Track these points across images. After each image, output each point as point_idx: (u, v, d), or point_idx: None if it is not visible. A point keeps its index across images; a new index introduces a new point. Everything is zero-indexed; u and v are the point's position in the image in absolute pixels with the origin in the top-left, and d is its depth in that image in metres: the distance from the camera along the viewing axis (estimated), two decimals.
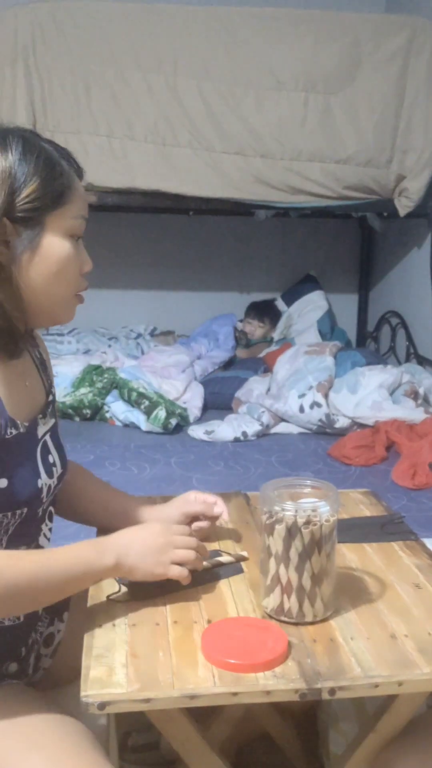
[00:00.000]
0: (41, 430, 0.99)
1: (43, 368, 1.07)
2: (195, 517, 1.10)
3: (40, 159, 0.89)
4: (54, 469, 1.01)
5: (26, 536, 0.98)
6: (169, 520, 1.07)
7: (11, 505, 0.92)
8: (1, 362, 0.92)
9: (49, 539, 1.04)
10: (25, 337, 0.96)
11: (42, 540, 1.02)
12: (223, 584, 1.01)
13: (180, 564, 0.95)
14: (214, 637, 0.86)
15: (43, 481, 0.97)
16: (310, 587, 0.89)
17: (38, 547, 1.01)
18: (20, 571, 0.85)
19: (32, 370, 1.03)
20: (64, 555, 0.89)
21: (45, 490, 0.97)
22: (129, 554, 0.91)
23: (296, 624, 0.90)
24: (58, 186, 0.90)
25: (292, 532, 0.88)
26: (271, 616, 0.92)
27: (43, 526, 1.01)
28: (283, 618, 0.90)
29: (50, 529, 1.04)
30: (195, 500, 1.10)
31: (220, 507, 1.10)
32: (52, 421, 1.04)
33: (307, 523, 0.88)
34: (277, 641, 0.85)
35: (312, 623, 0.90)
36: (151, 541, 0.93)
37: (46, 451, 0.99)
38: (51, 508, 1.03)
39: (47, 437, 1.01)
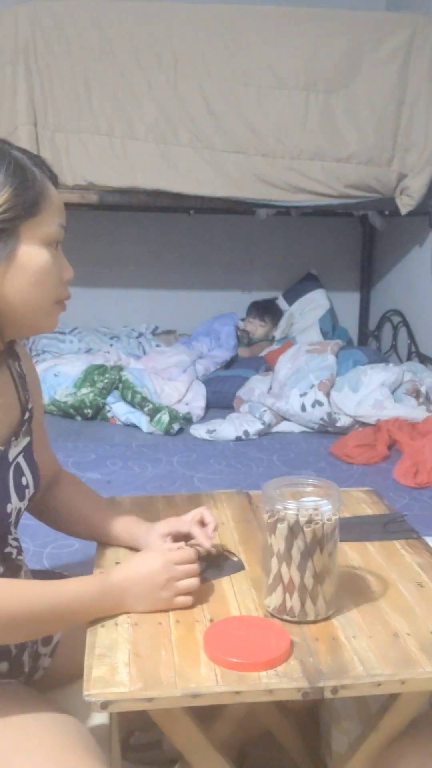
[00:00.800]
0: (13, 452, 0.97)
1: (22, 383, 1.04)
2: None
3: (11, 168, 0.87)
4: (27, 490, 0.99)
5: None
6: (160, 534, 1.06)
7: None
8: None
9: (16, 548, 1.02)
10: (4, 353, 0.95)
11: (9, 550, 1.00)
12: (225, 583, 1.01)
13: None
14: (216, 636, 0.86)
15: (13, 505, 0.95)
16: (312, 586, 0.89)
17: (4, 559, 0.99)
18: (21, 603, 0.85)
19: (9, 386, 1.00)
20: (66, 592, 0.89)
21: (14, 513, 0.96)
22: (130, 595, 0.92)
23: (298, 623, 0.90)
24: (31, 195, 0.88)
25: (294, 530, 0.88)
26: (273, 615, 0.92)
27: (7, 547, 0.99)
28: (285, 617, 0.90)
29: (16, 539, 1.02)
30: (191, 521, 1.08)
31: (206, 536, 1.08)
32: (27, 439, 1.01)
33: (309, 521, 0.88)
34: (280, 640, 0.85)
35: (314, 622, 0.90)
36: (152, 579, 0.93)
37: (19, 473, 0.97)
38: (12, 529, 1.01)
39: (20, 458, 0.98)
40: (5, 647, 0.98)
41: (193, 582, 0.95)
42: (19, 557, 1.02)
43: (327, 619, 0.91)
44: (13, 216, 0.86)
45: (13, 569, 0.99)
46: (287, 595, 0.90)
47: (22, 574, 1.02)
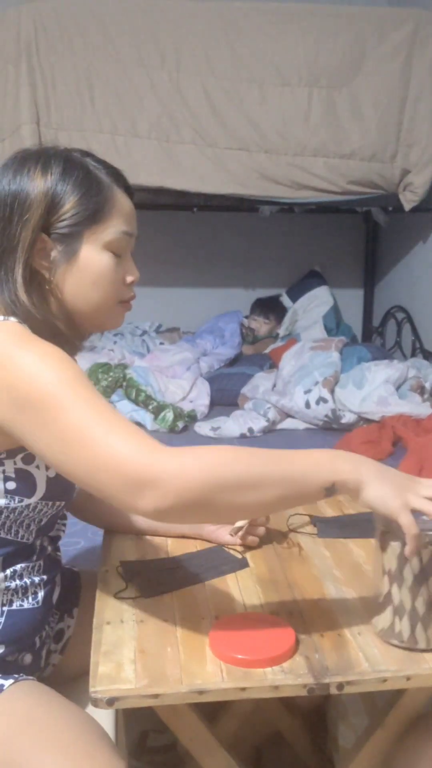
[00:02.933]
0: None
1: None
2: None
3: (79, 177, 0.94)
4: None
5: (49, 528, 1.02)
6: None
7: (55, 495, 0.95)
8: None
9: (63, 531, 1.07)
10: (78, 344, 1.03)
11: (55, 531, 1.04)
12: (230, 580, 1.01)
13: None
14: (222, 632, 0.86)
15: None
16: (424, 612, 0.83)
17: (54, 539, 1.04)
18: (266, 465, 0.81)
19: None
20: (302, 452, 0.85)
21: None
22: (371, 468, 0.83)
23: (408, 650, 0.84)
24: (95, 203, 0.94)
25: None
26: (381, 638, 0.86)
27: (57, 523, 1.04)
28: (393, 641, 0.85)
29: (64, 524, 1.07)
30: None
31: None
32: None
33: (429, 542, 0.81)
34: (285, 637, 0.85)
35: (425, 651, 0.84)
36: (399, 477, 0.84)
37: None
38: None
39: None
40: (33, 639, 0.99)
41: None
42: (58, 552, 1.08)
43: (331, 629, 0.87)
44: (76, 222, 0.93)
45: (57, 556, 1.06)
46: (396, 618, 0.84)
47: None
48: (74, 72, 3.00)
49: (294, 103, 3.05)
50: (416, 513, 0.82)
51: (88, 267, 0.95)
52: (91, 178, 0.95)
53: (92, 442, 0.80)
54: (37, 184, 0.92)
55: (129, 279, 1.01)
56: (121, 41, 3.00)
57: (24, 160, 0.94)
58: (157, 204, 3.36)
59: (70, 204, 0.93)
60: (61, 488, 0.96)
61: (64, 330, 0.96)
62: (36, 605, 0.98)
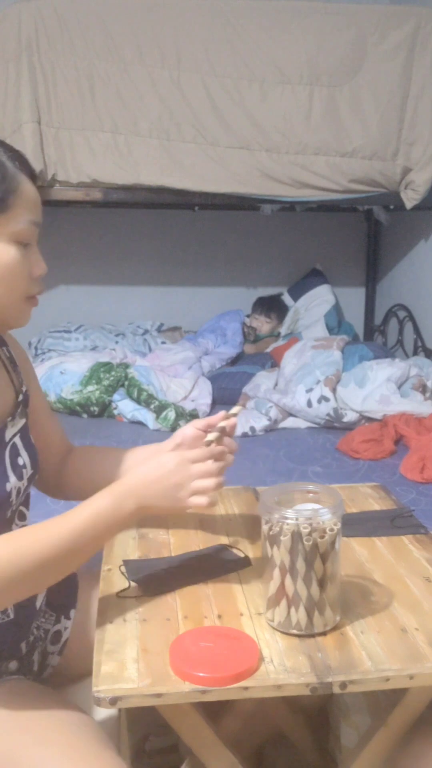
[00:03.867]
0: (9, 433, 0.98)
1: (13, 366, 1.05)
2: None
3: None
4: (24, 470, 0.99)
5: None
6: (173, 443, 1.02)
7: None
8: None
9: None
10: None
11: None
12: (232, 578, 1.01)
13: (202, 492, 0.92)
14: (182, 649, 0.83)
15: (12, 484, 0.95)
16: (318, 597, 0.86)
17: None
18: (47, 544, 0.85)
19: (2, 372, 1.01)
20: (84, 516, 0.88)
21: (14, 493, 0.96)
22: (147, 496, 0.90)
23: (307, 636, 0.87)
24: (1, 190, 0.87)
25: (296, 542, 0.85)
26: (277, 630, 0.89)
27: (14, 526, 1.00)
28: (292, 631, 0.87)
29: (25, 524, 1.03)
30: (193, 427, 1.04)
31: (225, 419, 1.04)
32: (23, 421, 1.02)
33: (311, 532, 0.85)
34: (249, 652, 0.82)
35: (323, 634, 0.87)
36: (168, 479, 0.91)
37: (15, 453, 0.98)
38: (22, 508, 1.02)
39: (16, 439, 0.99)
40: (15, 647, 0.98)
41: (210, 483, 0.92)
42: None
43: (335, 628, 0.89)
44: None
45: None
46: (292, 608, 0.87)
47: None
48: (75, 71, 3.00)
49: (295, 102, 3.05)
50: (298, 505, 0.89)
51: None
52: None
53: None
54: None
55: (37, 272, 0.94)
56: (122, 40, 2.99)
57: None
58: (158, 203, 3.36)
59: None
60: None
61: None
62: (7, 618, 0.96)
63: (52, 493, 1.17)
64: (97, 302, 4.01)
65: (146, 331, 4.02)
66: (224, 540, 1.13)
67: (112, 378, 3.17)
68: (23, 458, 0.99)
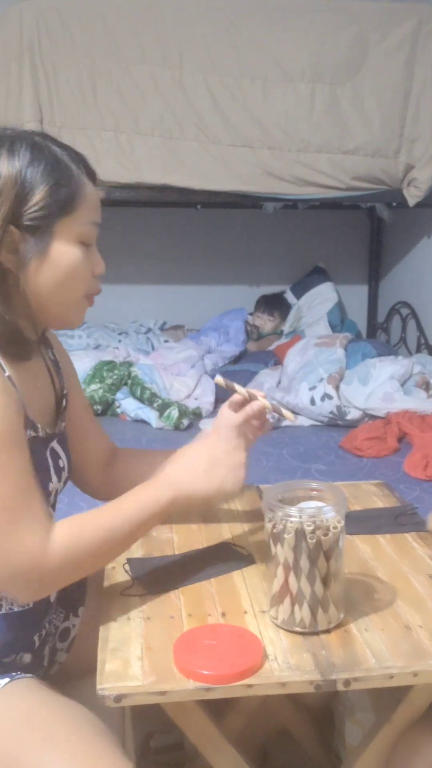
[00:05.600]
0: (53, 434, 1.00)
1: (56, 370, 1.07)
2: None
3: (49, 165, 0.88)
4: (63, 472, 1.01)
5: None
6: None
7: None
8: (15, 365, 0.91)
9: None
10: (35, 342, 0.97)
11: None
12: (236, 576, 1.02)
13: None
14: (186, 646, 0.83)
15: (54, 485, 0.98)
16: (321, 595, 0.86)
17: None
18: (96, 530, 0.90)
19: (43, 372, 1.03)
20: (131, 506, 0.93)
21: (53, 494, 0.98)
22: (181, 483, 0.94)
23: (311, 634, 0.87)
24: (67, 193, 0.89)
25: (300, 540, 0.85)
26: (281, 627, 0.89)
27: None
28: (296, 629, 0.87)
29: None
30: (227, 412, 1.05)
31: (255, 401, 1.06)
32: (62, 424, 1.04)
33: (315, 530, 0.85)
34: (253, 650, 0.82)
35: (327, 631, 0.88)
36: (199, 461, 0.96)
37: (56, 456, 1.00)
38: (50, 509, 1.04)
39: (55, 442, 1.01)
40: (29, 639, 0.99)
41: (240, 458, 0.97)
42: None
43: (338, 626, 0.89)
44: (47, 214, 0.87)
45: None
46: (296, 606, 0.87)
47: None
48: (77, 70, 3.00)
49: (297, 100, 3.05)
50: (301, 502, 0.90)
51: (61, 261, 0.90)
52: (60, 166, 0.89)
53: None
54: (5, 170, 0.85)
55: (98, 271, 0.97)
56: (124, 38, 2.99)
57: None
58: (161, 201, 3.36)
59: (40, 194, 0.86)
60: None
61: (24, 330, 0.92)
62: (27, 607, 0.97)
63: (97, 495, 1.19)
64: (100, 301, 3.96)
65: (149, 330, 4.02)
66: (228, 538, 1.13)
67: (115, 376, 3.17)
68: (63, 460, 1.02)
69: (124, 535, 0.92)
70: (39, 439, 0.94)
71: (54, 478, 0.98)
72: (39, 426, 0.94)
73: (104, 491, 1.17)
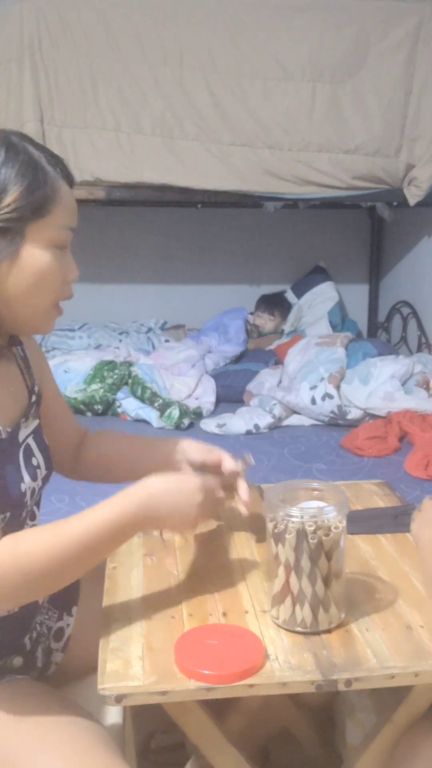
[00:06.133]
0: (23, 434, 0.98)
1: (26, 367, 1.05)
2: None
3: (24, 166, 0.85)
4: (38, 471, 0.99)
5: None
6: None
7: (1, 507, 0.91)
8: None
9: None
10: (5, 345, 0.95)
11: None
12: (237, 576, 1.01)
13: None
14: (187, 646, 0.83)
15: (27, 485, 0.96)
16: (323, 595, 0.86)
17: None
18: (66, 546, 0.84)
19: (15, 373, 1.01)
20: (106, 519, 0.87)
21: (28, 493, 0.96)
22: (163, 509, 0.91)
23: (312, 634, 0.87)
24: (41, 196, 0.86)
25: (301, 540, 0.85)
26: (282, 627, 0.89)
27: (26, 526, 1.00)
28: (297, 629, 0.87)
29: (34, 526, 1.03)
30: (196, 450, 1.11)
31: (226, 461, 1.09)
32: (36, 422, 1.02)
33: (317, 530, 0.85)
34: (254, 650, 0.82)
35: (328, 631, 0.88)
36: (190, 498, 0.92)
37: (29, 454, 0.98)
38: (34, 508, 1.02)
39: (30, 439, 0.99)
40: (19, 642, 0.98)
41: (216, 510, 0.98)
42: None
43: (339, 626, 0.89)
44: (19, 216, 0.85)
45: None
46: (297, 606, 0.87)
47: None
48: (77, 69, 3.00)
49: (298, 99, 3.04)
50: (303, 502, 0.89)
51: (31, 266, 0.87)
52: (35, 167, 0.86)
53: None
54: None
55: (71, 276, 0.94)
56: (124, 38, 2.99)
57: None
58: (161, 201, 3.35)
59: (12, 196, 0.84)
60: (6, 499, 0.91)
61: (3, 336, 0.90)
62: (12, 611, 0.96)
63: (68, 475, 1.19)
64: (101, 300, 4.01)
65: (150, 329, 4.02)
66: (229, 538, 1.13)
67: (116, 376, 3.17)
68: (37, 459, 1.00)
69: (79, 551, 0.85)
70: (3, 441, 0.93)
71: (26, 478, 0.95)
72: (0, 428, 0.92)
73: (74, 472, 1.18)
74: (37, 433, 1.01)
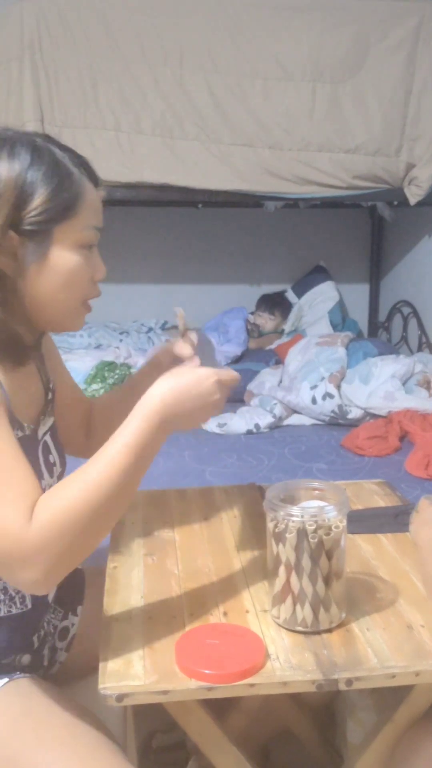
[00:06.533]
0: (41, 431, 0.99)
1: (42, 364, 1.06)
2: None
3: (50, 168, 0.86)
4: (54, 468, 1.01)
5: None
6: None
7: None
8: (8, 369, 0.90)
9: None
10: (32, 347, 0.96)
11: None
12: (238, 575, 1.02)
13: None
14: (188, 645, 0.84)
15: (46, 482, 0.97)
16: (323, 594, 0.87)
17: None
18: (80, 483, 0.81)
19: (34, 373, 1.02)
20: (112, 446, 0.84)
21: (47, 490, 0.97)
22: (181, 417, 0.89)
23: (313, 633, 0.87)
24: (68, 197, 0.87)
25: (302, 540, 0.85)
26: (282, 627, 0.89)
27: None
28: (297, 628, 0.87)
29: None
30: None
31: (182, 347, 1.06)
32: (51, 419, 1.03)
33: (317, 530, 0.85)
34: (255, 649, 0.83)
35: (329, 631, 0.88)
36: (206, 398, 0.90)
37: (47, 451, 0.99)
38: None
39: (47, 436, 1.00)
40: (28, 640, 0.99)
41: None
42: None
43: (340, 625, 0.89)
44: (47, 218, 0.86)
45: None
46: (298, 605, 0.87)
47: None
48: (77, 69, 3.00)
49: (298, 98, 3.04)
50: (303, 502, 0.89)
51: (60, 267, 0.88)
52: (61, 170, 0.87)
53: None
54: (5, 173, 0.84)
55: (98, 276, 0.95)
56: (124, 38, 2.99)
57: None
58: (162, 200, 3.35)
59: (39, 199, 0.85)
60: None
61: (23, 335, 0.91)
62: (25, 609, 0.97)
63: (84, 453, 1.15)
64: (101, 300, 3.93)
65: (150, 329, 4.02)
66: (229, 537, 1.13)
67: (116, 376, 3.17)
68: (54, 456, 1.01)
69: (115, 477, 0.82)
70: (27, 437, 0.94)
71: (45, 475, 0.97)
72: (25, 425, 0.94)
73: (88, 449, 1.14)
74: (53, 431, 1.03)
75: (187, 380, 0.88)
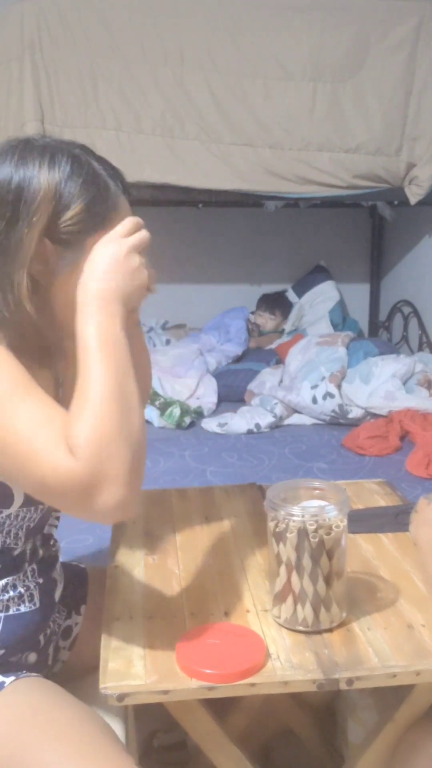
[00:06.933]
0: None
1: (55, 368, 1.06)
2: None
3: (88, 180, 0.87)
4: None
5: (39, 529, 1.01)
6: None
7: (37, 500, 0.93)
8: (35, 370, 0.90)
9: (56, 526, 1.07)
10: (59, 351, 0.96)
11: (47, 529, 1.04)
12: (239, 575, 1.02)
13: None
14: (189, 645, 0.84)
15: None
16: (324, 594, 0.87)
17: (47, 537, 1.04)
18: (100, 392, 0.80)
19: (49, 377, 1.02)
20: (102, 341, 0.82)
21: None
22: (116, 290, 0.85)
23: (314, 633, 0.87)
24: (103, 209, 0.88)
25: (302, 539, 0.85)
26: (283, 626, 0.89)
27: (50, 516, 1.03)
28: (298, 627, 0.88)
29: (57, 518, 1.06)
30: None
31: None
32: None
33: (318, 529, 0.85)
34: (255, 649, 0.83)
35: (329, 630, 0.88)
36: (123, 266, 0.86)
37: None
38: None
39: None
40: (35, 639, 1.00)
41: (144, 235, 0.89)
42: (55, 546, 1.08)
43: (341, 625, 0.89)
44: (81, 229, 0.86)
45: (52, 553, 1.05)
46: (299, 605, 0.87)
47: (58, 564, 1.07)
48: (78, 69, 3.00)
49: (298, 98, 3.04)
50: (304, 501, 0.89)
51: None
52: (98, 183, 0.89)
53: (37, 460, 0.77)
54: (44, 182, 0.85)
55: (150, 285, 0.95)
56: (124, 37, 2.99)
57: (25, 150, 0.87)
58: (162, 200, 3.35)
59: (75, 209, 0.86)
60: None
61: (52, 341, 0.91)
62: (34, 607, 0.98)
63: None
64: None
65: (151, 329, 4.02)
66: (230, 537, 1.13)
67: None
68: None
69: (113, 376, 0.81)
70: None
71: None
72: None
73: None
74: None
75: (104, 261, 0.86)
